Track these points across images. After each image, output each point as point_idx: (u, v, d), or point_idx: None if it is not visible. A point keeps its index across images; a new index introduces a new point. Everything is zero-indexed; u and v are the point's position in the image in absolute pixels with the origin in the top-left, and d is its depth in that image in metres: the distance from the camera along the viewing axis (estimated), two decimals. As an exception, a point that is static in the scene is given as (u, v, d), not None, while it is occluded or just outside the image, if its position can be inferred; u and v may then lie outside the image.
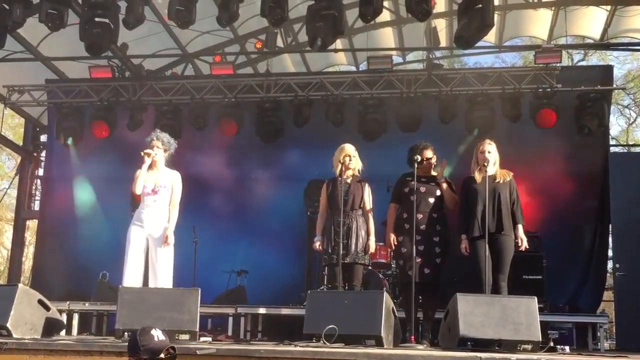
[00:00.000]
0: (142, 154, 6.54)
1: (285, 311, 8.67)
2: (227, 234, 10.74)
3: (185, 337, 5.33)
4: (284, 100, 10.85)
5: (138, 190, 6.54)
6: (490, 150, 6.27)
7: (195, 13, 8.39)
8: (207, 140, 11.22)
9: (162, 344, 3.56)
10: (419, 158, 6.36)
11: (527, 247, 6.28)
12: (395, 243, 6.45)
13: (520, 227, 6.22)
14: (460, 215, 6.34)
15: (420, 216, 6.30)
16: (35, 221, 13.25)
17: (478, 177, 6.22)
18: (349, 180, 6.58)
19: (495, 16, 8.59)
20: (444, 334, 5.44)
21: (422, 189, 6.38)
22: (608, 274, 11.13)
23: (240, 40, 12.26)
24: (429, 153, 6.54)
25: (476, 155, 6.38)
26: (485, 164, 6.13)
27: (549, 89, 9.97)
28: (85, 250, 10.90)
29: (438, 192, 6.45)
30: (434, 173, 6.56)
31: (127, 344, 3.79)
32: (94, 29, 8.41)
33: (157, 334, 3.59)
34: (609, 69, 11.15)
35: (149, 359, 3.51)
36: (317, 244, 6.66)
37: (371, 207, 6.67)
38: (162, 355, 3.52)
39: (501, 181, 6.24)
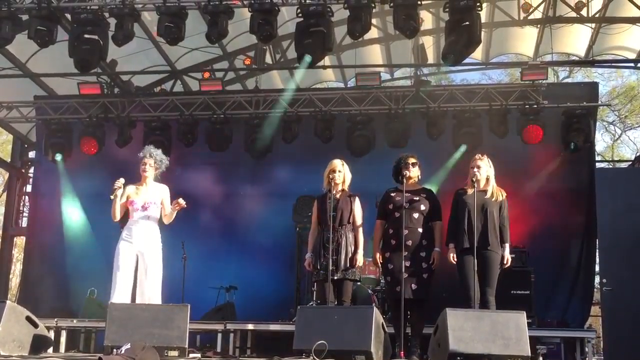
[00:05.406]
0: (112, 196, 6.48)
1: (274, 327, 8.65)
2: (216, 250, 10.72)
3: (174, 353, 5.31)
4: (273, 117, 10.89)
5: (115, 218, 6.57)
6: (480, 165, 6.28)
7: (184, 30, 8.44)
8: (196, 157, 11.22)
9: None
10: (407, 174, 6.40)
11: (510, 264, 6.29)
12: (381, 261, 6.45)
13: (506, 246, 6.24)
14: (449, 226, 6.34)
15: (406, 232, 6.26)
16: (23, 238, 13.16)
17: (469, 191, 6.26)
18: (338, 196, 6.55)
19: (482, 33, 8.69)
20: (434, 349, 5.44)
21: (407, 205, 6.36)
22: (595, 289, 11.19)
23: (229, 57, 12.31)
24: (412, 159, 6.53)
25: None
26: (474, 179, 6.19)
27: (535, 106, 10.09)
28: (73, 266, 10.85)
29: (423, 207, 6.40)
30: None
31: None
32: (83, 46, 8.44)
33: None
34: (594, 86, 11.28)
35: None
36: (307, 262, 6.66)
37: (361, 222, 6.59)
38: None
39: (493, 199, 6.24)
